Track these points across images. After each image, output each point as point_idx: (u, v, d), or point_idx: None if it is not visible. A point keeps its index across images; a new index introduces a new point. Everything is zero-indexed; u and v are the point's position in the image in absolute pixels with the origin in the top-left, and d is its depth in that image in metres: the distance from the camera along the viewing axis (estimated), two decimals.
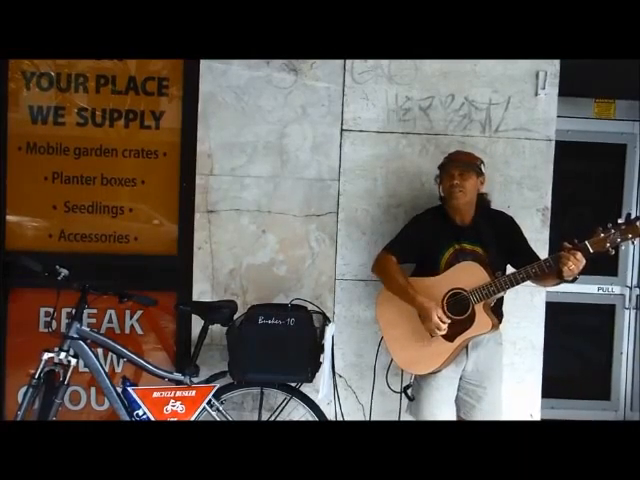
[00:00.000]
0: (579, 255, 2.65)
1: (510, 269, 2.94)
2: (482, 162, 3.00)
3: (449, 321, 2.81)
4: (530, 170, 3.39)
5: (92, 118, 3.44)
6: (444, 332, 2.80)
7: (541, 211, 3.41)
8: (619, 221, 2.68)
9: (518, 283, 2.79)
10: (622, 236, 2.65)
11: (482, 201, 3.04)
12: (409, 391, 3.04)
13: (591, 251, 2.67)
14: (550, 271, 2.72)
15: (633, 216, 2.69)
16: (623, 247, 2.74)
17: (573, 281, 2.74)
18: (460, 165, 2.92)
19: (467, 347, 2.93)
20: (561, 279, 2.73)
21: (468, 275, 2.84)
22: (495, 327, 2.91)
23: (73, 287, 2.96)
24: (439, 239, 2.94)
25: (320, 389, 3.04)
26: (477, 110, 3.39)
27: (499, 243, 2.95)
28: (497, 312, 2.98)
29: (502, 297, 3.00)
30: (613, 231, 2.65)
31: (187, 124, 3.40)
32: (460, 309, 2.84)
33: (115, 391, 3.00)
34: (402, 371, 3.08)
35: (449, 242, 2.93)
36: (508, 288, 2.81)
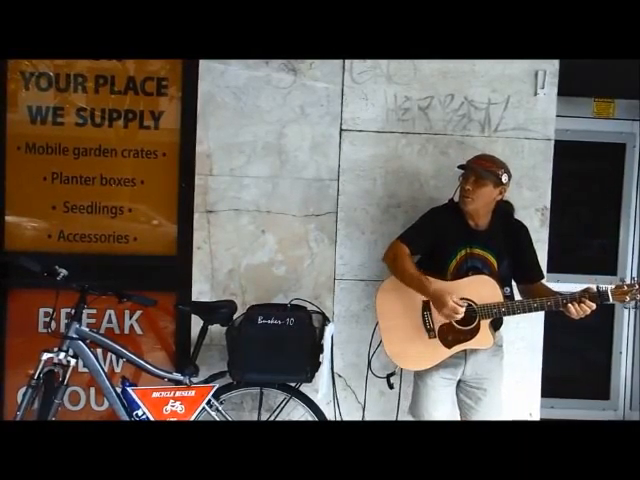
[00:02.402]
0: (589, 303, 2.72)
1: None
2: (507, 172, 2.91)
3: (465, 304, 2.78)
4: (529, 170, 3.39)
5: (91, 118, 3.44)
6: (461, 316, 2.77)
7: (540, 211, 3.41)
8: None
9: (530, 312, 2.81)
10: None
11: (503, 208, 2.98)
12: (392, 379, 3.07)
13: (610, 300, 2.74)
14: (563, 307, 2.76)
15: None
16: None
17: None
18: (477, 172, 2.87)
19: (466, 351, 2.91)
20: (566, 315, 2.78)
21: (482, 290, 2.82)
22: (494, 342, 2.90)
23: (72, 287, 2.96)
24: (453, 239, 2.90)
25: (319, 389, 3.04)
26: (476, 110, 3.38)
27: (509, 252, 2.92)
28: (497, 319, 2.94)
29: None
30: (637, 287, 2.72)
31: (186, 124, 3.39)
32: (465, 320, 2.81)
33: (114, 391, 3.00)
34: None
35: (461, 244, 2.89)
36: (518, 314, 2.81)
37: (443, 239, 2.91)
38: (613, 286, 2.75)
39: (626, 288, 2.73)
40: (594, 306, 2.74)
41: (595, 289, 2.74)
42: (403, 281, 2.89)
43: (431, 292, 2.82)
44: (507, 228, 2.97)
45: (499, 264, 2.90)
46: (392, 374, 3.09)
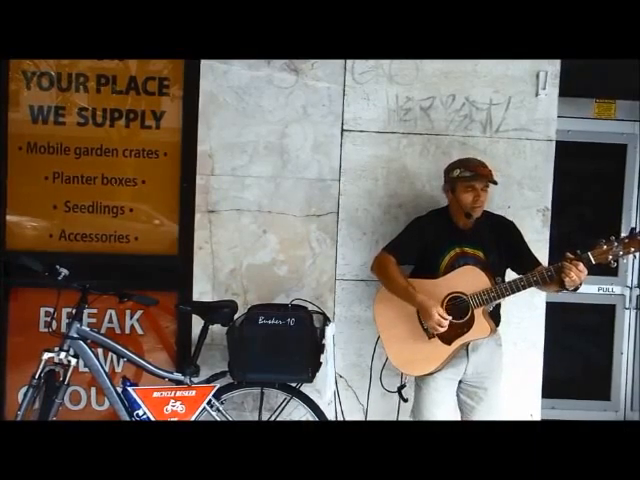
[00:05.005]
0: (581, 266, 2.67)
1: (509, 274, 2.95)
2: None
3: (450, 318, 2.80)
4: (531, 170, 3.39)
5: (93, 118, 3.44)
6: (445, 329, 2.79)
7: (542, 211, 3.41)
8: (623, 235, 2.72)
9: (519, 290, 2.79)
10: (624, 249, 2.67)
11: None
12: (403, 391, 3.06)
13: (593, 262, 2.69)
14: (551, 280, 2.74)
15: (637, 230, 2.70)
16: (625, 260, 2.75)
17: (575, 290, 2.76)
18: (484, 181, 2.89)
19: (467, 349, 2.92)
20: (563, 288, 2.75)
21: (469, 279, 2.83)
22: (493, 331, 2.91)
23: (73, 287, 2.97)
24: (441, 242, 2.93)
25: (324, 392, 3.04)
26: (478, 110, 3.38)
27: (500, 247, 2.94)
28: (495, 315, 2.98)
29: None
30: (616, 244, 2.67)
31: (188, 124, 3.40)
32: (459, 313, 2.83)
33: (115, 391, 3.00)
34: (402, 374, 3.08)
35: (451, 245, 2.92)
36: (508, 295, 2.81)
37: (431, 243, 2.93)
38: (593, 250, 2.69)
39: (605, 247, 2.67)
40: (583, 271, 2.66)
41: (578, 253, 2.69)
42: (391, 291, 2.93)
43: (417, 302, 2.84)
44: (489, 223, 2.98)
45: (488, 258, 2.92)
46: (403, 386, 3.07)
